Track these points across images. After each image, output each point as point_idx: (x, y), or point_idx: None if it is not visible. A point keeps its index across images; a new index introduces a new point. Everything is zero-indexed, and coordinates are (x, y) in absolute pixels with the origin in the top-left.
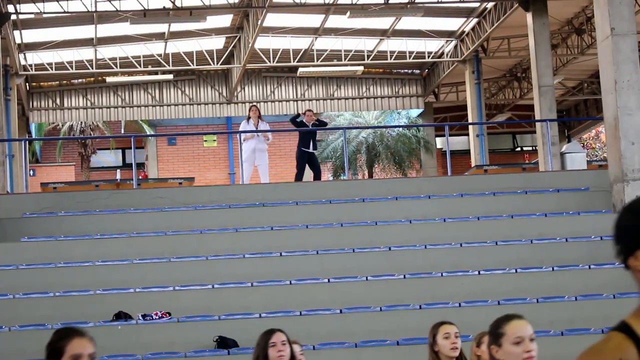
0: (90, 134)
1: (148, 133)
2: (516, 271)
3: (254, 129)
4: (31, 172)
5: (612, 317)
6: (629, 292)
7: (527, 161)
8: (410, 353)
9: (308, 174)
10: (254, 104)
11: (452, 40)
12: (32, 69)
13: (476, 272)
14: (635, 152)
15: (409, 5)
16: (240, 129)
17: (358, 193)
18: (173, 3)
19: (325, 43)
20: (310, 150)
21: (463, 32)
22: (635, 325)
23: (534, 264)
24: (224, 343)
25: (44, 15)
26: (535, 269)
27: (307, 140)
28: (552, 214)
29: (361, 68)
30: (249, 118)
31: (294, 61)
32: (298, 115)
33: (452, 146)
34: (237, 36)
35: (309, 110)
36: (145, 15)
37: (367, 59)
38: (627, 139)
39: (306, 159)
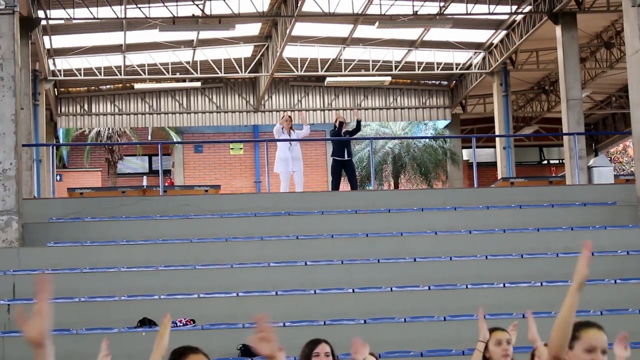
0: (118, 140)
1: (175, 140)
2: (541, 284)
3: (287, 137)
4: (58, 177)
5: (638, 333)
6: None
7: (553, 174)
8: None
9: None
10: (289, 114)
11: (480, 52)
12: (60, 74)
13: (501, 285)
14: None
15: (437, 17)
16: (274, 131)
17: (384, 203)
18: (202, 11)
19: (353, 53)
20: (345, 158)
21: (491, 44)
22: None
23: (559, 278)
24: (248, 351)
25: (74, 21)
26: (561, 282)
27: (341, 148)
28: (578, 227)
29: (389, 78)
30: (283, 127)
31: (321, 70)
32: (335, 127)
33: (478, 158)
34: (265, 45)
35: (340, 116)
36: (174, 22)
37: (395, 69)
38: None
39: (340, 169)
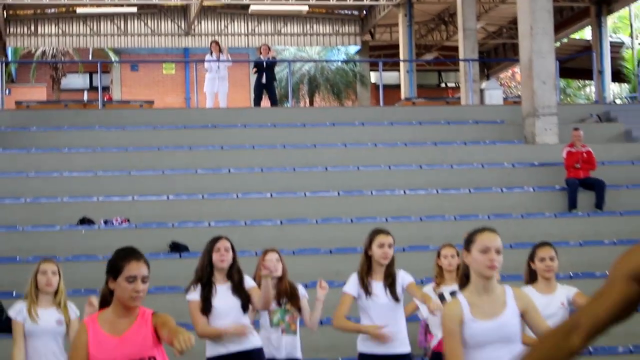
0: (61, 59)
1: (113, 60)
2: (437, 192)
3: (216, 60)
4: (7, 92)
5: (520, 234)
6: (534, 212)
7: (450, 96)
8: (341, 261)
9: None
10: (214, 39)
11: None
12: None
13: (402, 192)
14: (546, 91)
15: None
16: (205, 60)
17: (299, 119)
18: None
19: None
20: (264, 82)
21: None
22: None
23: (453, 186)
24: (177, 247)
25: None
26: (455, 190)
27: (262, 73)
28: (471, 142)
29: (306, 8)
30: (211, 52)
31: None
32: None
33: (384, 80)
34: None
35: (265, 45)
36: None
37: None
38: (539, 79)
39: (262, 89)
